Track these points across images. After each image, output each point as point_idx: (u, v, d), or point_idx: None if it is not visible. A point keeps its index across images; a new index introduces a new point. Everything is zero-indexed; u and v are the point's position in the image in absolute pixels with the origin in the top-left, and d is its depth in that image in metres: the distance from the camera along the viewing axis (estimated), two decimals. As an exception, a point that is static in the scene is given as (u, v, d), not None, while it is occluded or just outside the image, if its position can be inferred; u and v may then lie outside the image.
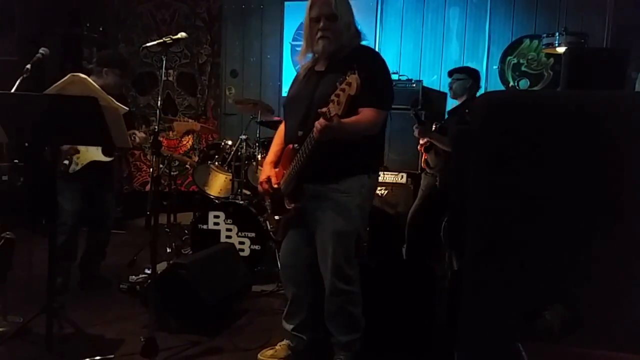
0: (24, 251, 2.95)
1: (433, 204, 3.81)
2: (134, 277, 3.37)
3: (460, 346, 1.86)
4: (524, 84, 5.14)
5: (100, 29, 5.63)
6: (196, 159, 4.69)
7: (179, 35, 2.36)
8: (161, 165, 3.87)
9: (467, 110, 3.62)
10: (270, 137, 3.54)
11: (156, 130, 2.30)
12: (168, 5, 6.01)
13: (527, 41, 5.12)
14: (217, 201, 3.88)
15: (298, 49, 2.50)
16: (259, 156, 3.90)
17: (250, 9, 5.87)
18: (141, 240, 4.08)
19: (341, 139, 2.03)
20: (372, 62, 2.17)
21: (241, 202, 3.70)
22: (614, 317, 1.54)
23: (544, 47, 4.68)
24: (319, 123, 1.93)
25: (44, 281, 2.36)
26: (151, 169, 2.61)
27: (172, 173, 4.28)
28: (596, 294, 1.56)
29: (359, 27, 2.33)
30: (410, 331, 2.61)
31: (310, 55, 2.30)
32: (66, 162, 3.11)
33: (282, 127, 2.44)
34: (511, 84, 5.15)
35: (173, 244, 3.90)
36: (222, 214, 3.67)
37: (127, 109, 2.62)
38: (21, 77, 2.39)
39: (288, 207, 2.25)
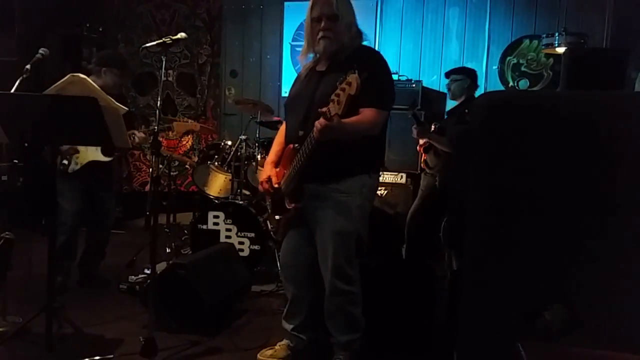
0: (23, 251, 2.95)
1: (433, 204, 3.81)
2: (133, 277, 3.38)
3: (460, 346, 1.86)
4: (523, 84, 5.13)
5: (100, 29, 5.62)
6: (196, 159, 4.68)
7: (178, 36, 2.36)
8: (161, 166, 3.86)
9: (466, 111, 3.62)
10: (270, 138, 3.54)
11: (156, 130, 2.30)
12: (168, 5, 6.01)
13: (526, 41, 5.11)
14: (216, 201, 3.87)
15: (298, 49, 2.50)
16: (259, 156, 3.90)
17: (250, 9, 5.86)
18: (141, 241, 4.08)
19: (341, 139, 2.03)
20: (374, 63, 2.17)
21: (241, 202, 3.70)
22: (614, 317, 1.54)
23: (543, 47, 4.67)
24: (319, 123, 1.93)
25: (44, 281, 2.36)
26: (151, 169, 2.61)
27: (171, 173, 4.27)
28: (596, 294, 1.56)
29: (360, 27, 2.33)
30: (410, 331, 2.61)
31: (311, 55, 2.30)
32: (65, 161, 3.11)
33: (283, 127, 2.44)
34: (511, 84, 5.15)
35: (172, 244, 3.91)
36: (221, 214, 3.67)
37: (126, 109, 2.62)
38: (21, 78, 2.39)
39: (288, 207, 2.25)
